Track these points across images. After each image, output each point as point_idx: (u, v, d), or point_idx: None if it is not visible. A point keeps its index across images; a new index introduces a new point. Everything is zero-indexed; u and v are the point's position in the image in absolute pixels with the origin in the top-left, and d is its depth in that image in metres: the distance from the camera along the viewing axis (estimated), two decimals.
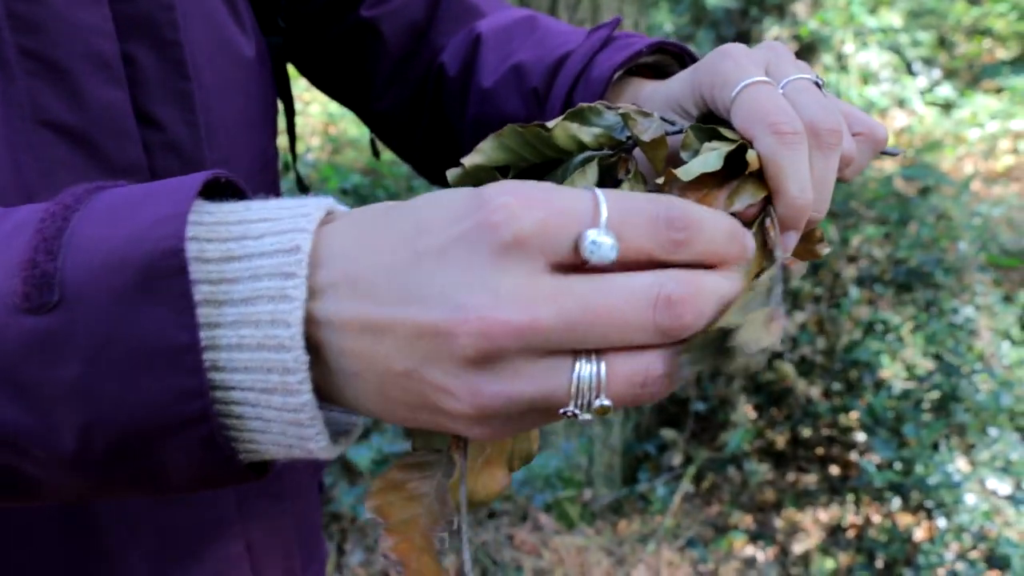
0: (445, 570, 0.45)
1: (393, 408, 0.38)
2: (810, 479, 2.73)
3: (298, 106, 5.10)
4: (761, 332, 0.41)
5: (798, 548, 2.51)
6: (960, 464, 2.35)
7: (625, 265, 0.36)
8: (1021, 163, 5.01)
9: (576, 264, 0.35)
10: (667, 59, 0.69)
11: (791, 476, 2.76)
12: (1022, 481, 2.27)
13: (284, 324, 0.36)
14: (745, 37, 7.02)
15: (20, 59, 0.53)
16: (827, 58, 6.30)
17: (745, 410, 2.74)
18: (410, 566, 0.43)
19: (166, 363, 0.36)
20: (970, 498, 2.24)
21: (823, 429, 2.75)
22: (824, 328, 2.81)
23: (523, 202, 0.35)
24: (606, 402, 0.35)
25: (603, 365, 0.35)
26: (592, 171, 0.49)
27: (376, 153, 0.87)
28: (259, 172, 0.71)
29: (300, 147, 4.45)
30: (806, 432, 2.77)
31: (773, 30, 6.76)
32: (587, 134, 0.50)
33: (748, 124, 0.49)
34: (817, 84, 0.53)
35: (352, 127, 4.74)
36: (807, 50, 6.70)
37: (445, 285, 0.35)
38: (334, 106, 4.65)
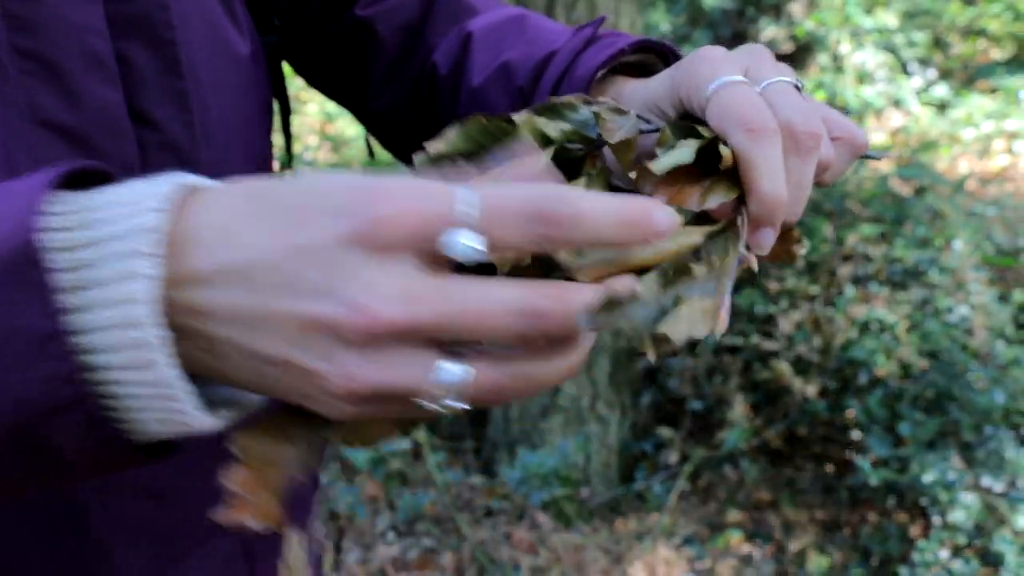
0: (283, 515, 0.44)
1: (267, 387, 0.40)
2: (806, 477, 2.74)
3: (295, 105, 5.08)
4: (697, 320, 0.42)
5: (794, 546, 2.52)
6: (955, 462, 2.36)
7: (510, 258, 0.38)
8: (1016, 163, 5.03)
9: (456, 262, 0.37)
10: (652, 58, 0.69)
11: (787, 474, 2.77)
12: (1017, 479, 2.28)
13: (138, 302, 0.36)
14: (741, 37, 7.03)
15: (15, 59, 0.53)
16: (823, 58, 6.31)
17: (741, 409, 2.75)
18: (247, 500, 0.42)
19: (35, 352, 0.37)
20: (965, 496, 2.24)
21: (819, 427, 2.76)
22: (820, 327, 2.81)
23: (396, 200, 0.36)
24: (464, 405, 0.38)
25: (468, 367, 0.37)
26: None
27: (371, 152, 0.86)
28: (256, 171, 0.71)
29: (297, 147, 4.45)
30: (802, 430, 2.78)
31: (769, 30, 6.77)
32: (554, 129, 0.51)
33: (721, 122, 0.50)
34: (797, 87, 0.53)
35: (349, 126, 4.74)
36: (803, 50, 6.71)
37: (327, 281, 0.36)
38: (331, 105, 4.65)
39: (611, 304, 0.37)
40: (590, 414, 2.79)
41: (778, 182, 0.49)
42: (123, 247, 0.37)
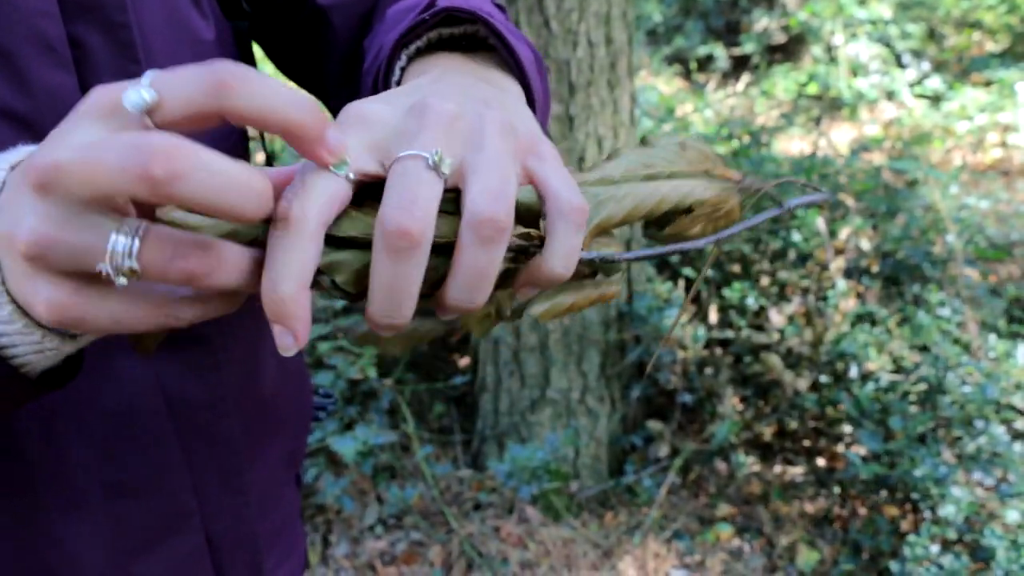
0: None
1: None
2: (796, 471, 2.73)
3: None
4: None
5: (784, 540, 2.51)
6: (946, 456, 2.35)
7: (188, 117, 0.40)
8: (1009, 156, 5.02)
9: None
10: (482, 29, 0.62)
11: (777, 468, 2.77)
12: (1008, 474, 2.28)
13: None
14: (734, 28, 7.01)
15: None
16: (816, 49, 6.30)
17: (732, 402, 2.74)
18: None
19: None
20: (956, 490, 2.24)
21: (809, 421, 2.75)
22: (811, 320, 2.80)
23: (97, 88, 0.40)
24: (135, 265, 0.39)
25: (138, 237, 0.39)
26: None
27: None
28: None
29: None
30: (793, 424, 2.77)
31: (762, 21, 6.76)
32: None
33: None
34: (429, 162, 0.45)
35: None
36: (796, 41, 6.71)
37: (45, 144, 0.40)
38: None
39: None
40: (579, 407, 2.77)
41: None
42: None
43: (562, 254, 0.47)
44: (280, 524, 0.84)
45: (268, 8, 0.79)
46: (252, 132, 0.85)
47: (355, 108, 0.47)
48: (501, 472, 2.62)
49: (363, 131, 0.46)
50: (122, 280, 0.39)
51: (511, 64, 0.61)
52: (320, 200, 0.42)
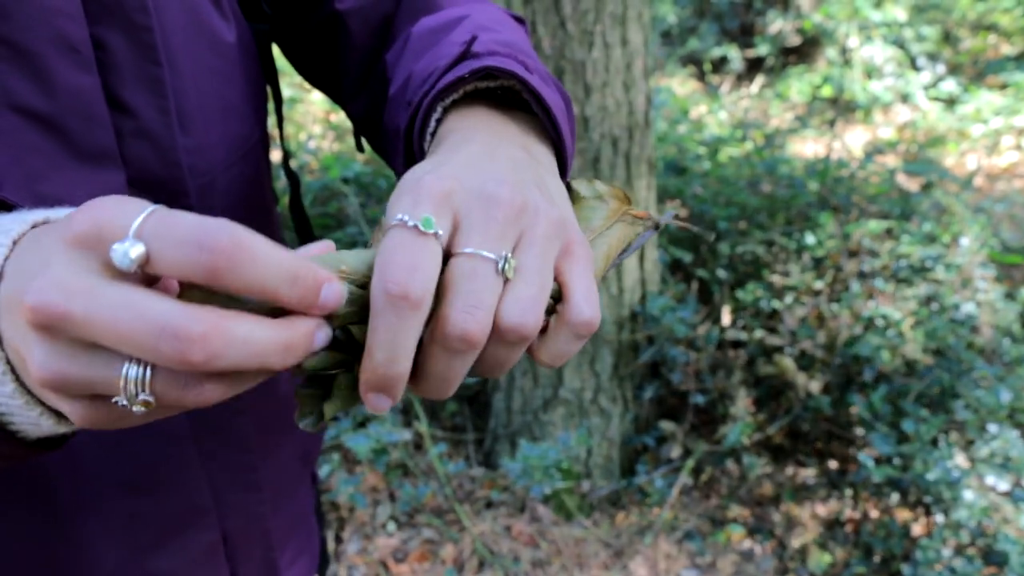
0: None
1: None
2: (808, 473, 2.73)
3: (300, 93, 5.05)
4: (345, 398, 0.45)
5: (796, 542, 2.51)
6: (959, 460, 2.35)
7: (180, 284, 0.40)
8: None
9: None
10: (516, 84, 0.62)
11: (789, 470, 2.76)
12: (1021, 478, 2.27)
13: None
14: (749, 29, 7.00)
15: None
16: (831, 52, 6.28)
17: (744, 404, 2.74)
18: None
19: None
20: (968, 494, 2.23)
21: (822, 423, 2.75)
22: (824, 322, 2.80)
23: (93, 207, 0.39)
24: (150, 398, 0.39)
25: (149, 369, 0.39)
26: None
27: (360, 147, 0.83)
28: (240, 158, 0.70)
29: (302, 135, 4.44)
30: (805, 426, 2.77)
31: (777, 23, 6.74)
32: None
33: (375, 266, 0.43)
34: (498, 264, 0.45)
35: None
36: (810, 44, 6.69)
37: (30, 267, 0.40)
38: None
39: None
40: (592, 407, 2.78)
41: (393, 355, 0.43)
42: None
43: (554, 353, 0.49)
44: (295, 521, 0.85)
45: (287, 11, 0.79)
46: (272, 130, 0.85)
47: (413, 177, 0.47)
48: (513, 471, 2.63)
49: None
50: (139, 409, 0.40)
51: (548, 128, 0.60)
52: (429, 275, 0.42)
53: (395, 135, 0.67)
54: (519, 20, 0.77)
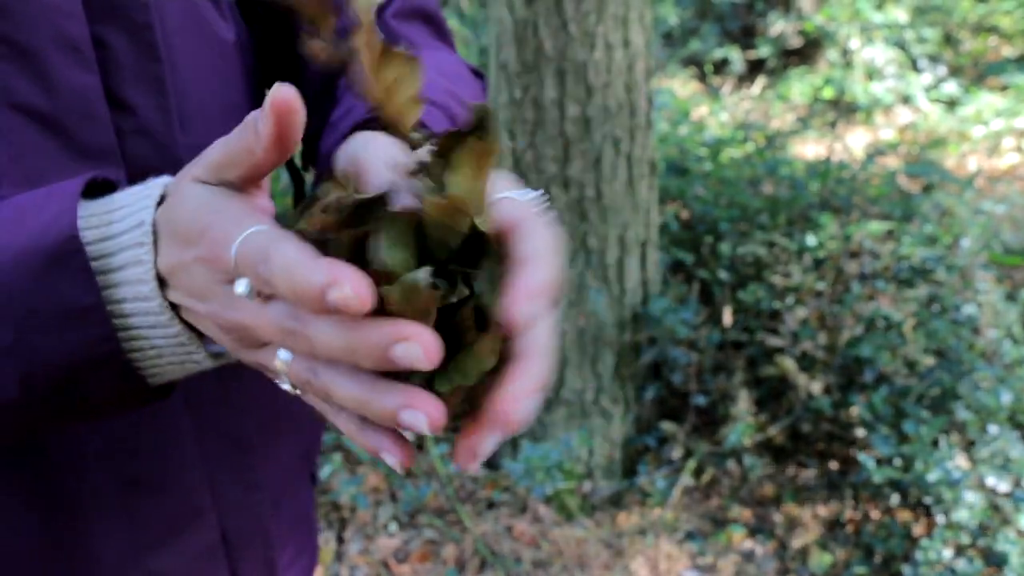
0: None
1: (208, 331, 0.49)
2: (809, 474, 2.73)
3: None
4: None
5: (797, 543, 2.51)
6: (960, 461, 2.35)
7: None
8: None
9: None
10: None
11: (790, 471, 2.77)
12: (1021, 479, 2.27)
13: (143, 282, 0.48)
14: (750, 31, 7.00)
15: None
16: (832, 53, 6.29)
17: (745, 404, 2.74)
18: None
19: (79, 320, 0.47)
20: (969, 495, 2.24)
21: (823, 424, 2.75)
22: (826, 323, 2.81)
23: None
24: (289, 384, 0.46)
25: (290, 357, 0.44)
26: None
27: (304, 166, 0.80)
28: None
29: None
30: (806, 427, 2.77)
31: (778, 24, 6.75)
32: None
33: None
34: None
35: None
36: (812, 45, 6.69)
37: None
38: None
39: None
40: (594, 407, 2.78)
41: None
42: (129, 238, 0.47)
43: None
44: (295, 520, 0.85)
45: (268, 20, 0.78)
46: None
47: None
48: (515, 471, 2.63)
49: None
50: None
51: None
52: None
53: (325, 160, 0.66)
54: (478, 74, 0.79)
